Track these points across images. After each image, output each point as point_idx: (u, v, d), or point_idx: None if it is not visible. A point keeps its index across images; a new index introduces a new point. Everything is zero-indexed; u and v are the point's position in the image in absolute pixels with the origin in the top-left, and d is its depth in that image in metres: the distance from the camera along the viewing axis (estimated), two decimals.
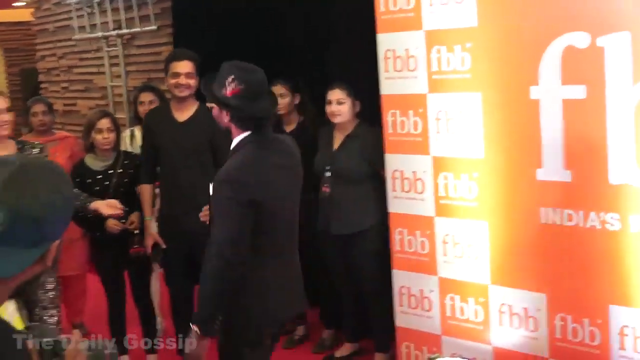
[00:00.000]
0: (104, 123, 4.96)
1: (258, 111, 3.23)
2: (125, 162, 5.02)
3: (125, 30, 8.30)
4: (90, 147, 5.02)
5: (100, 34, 8.69)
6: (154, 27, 7.83)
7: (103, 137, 4.94)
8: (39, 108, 5.83)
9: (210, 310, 3.20)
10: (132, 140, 5.81)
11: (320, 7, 5.65)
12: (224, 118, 3.28)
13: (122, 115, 8.21)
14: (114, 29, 8.45)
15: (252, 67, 3.30)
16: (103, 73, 8.95)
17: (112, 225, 4.79)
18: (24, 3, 13.52)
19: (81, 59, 9.56)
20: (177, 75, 4.73)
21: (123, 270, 5.09)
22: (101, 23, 8.66)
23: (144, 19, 7.97)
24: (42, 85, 10.64)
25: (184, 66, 4.73)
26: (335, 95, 4.77)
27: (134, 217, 4.88)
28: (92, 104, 9.32)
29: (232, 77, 3.20)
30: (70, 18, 9.38)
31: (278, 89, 5.20)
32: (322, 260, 5.13)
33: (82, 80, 9.67)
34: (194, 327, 3.19)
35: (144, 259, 4.96)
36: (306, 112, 5.32)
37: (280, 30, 5.99)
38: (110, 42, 8.64)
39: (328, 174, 4.82)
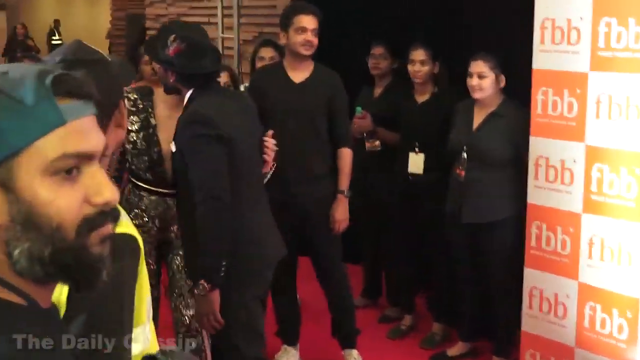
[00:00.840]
0: (223, 77, 4.57)
1: (204, 67, 3.21)
2: None
3: None
4: None
5: None
6: None
7: None
8: None
9: (213, 259, 3.13)
10: None
11: None
12: (170, 78, 3.26)
13: None
14: None
15: (192, 24, 3.26)
16: (214, 24, 8.55)
17: None
18: None
19: (191, 8, 9.26)
20: (304, 30, 4.23)
21: None
22: None
23: None
24: (149, 32, 10.37)
25: (312, 22, 4.25)
26: (477, 67, 4.20)
27: None
28: None
29: (173, 36, 3.18)
30: None
31: (419, 55, 4.67)
32: (444, 246, 4.64)
33: None
34: (201, 282, 3.12)
35: None
36: (440, 83, 4.78)
37: None
38: None
39: (465, 155, 4.29)
